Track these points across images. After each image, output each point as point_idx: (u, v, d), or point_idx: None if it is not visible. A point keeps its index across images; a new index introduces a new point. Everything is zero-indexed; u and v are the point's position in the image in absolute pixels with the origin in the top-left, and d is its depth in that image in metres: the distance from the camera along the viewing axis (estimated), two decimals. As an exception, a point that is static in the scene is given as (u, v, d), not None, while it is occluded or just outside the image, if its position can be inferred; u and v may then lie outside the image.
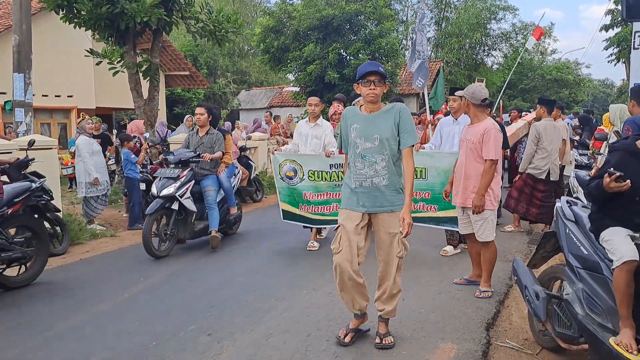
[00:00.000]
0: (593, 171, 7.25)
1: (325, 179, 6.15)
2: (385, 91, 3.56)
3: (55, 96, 16.08)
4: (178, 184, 6.25)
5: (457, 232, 5.51)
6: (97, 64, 10.97)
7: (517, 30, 32.30)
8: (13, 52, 9.16)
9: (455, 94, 5.52)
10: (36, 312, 4.49)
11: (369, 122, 3.54)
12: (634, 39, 8.27)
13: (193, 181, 6.44)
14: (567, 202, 3.63)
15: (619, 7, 22.38)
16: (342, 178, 5.57)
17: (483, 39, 29.13)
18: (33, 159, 6.10)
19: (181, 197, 6.25)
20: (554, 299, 3.32)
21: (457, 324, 3.96)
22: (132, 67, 10.35)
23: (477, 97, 4.54)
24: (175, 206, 6.27)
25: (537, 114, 7.42)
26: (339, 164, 6.04)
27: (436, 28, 32.38)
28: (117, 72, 10.23)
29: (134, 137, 9.06)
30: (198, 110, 6.76)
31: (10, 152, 6.62)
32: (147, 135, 10.24)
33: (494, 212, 4.56)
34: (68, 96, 16.43)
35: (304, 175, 6.20)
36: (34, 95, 9.45)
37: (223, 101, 28.92)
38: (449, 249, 6.10)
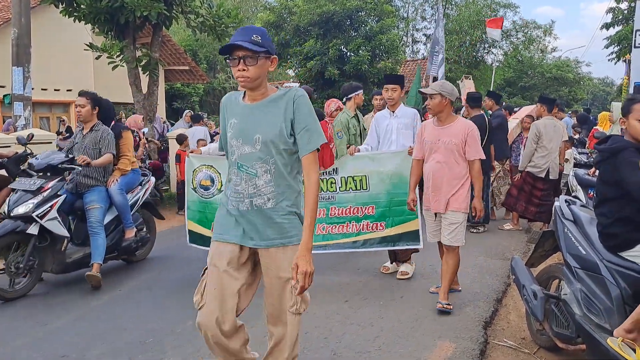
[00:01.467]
0: (592, 170, 7.26)
1: None
2: (272, 70, 2.48)
3: (55, 90, 16.05)
4: (38, 199, 4.67)
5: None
6: (97, 58, 10.93)
7: (517, 28, 32.23)
8: (12, 46, 9.14)
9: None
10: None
11: (247, 115, 2.47)
12: (635, 37, 8.26)
13: (64, 195, 4.87)
14: (566, 201, 3.62)
15: (620, 6, 22.37)
16: None
17: (483, 36, 29.07)
18: (31, 153, 5.96)
19: (41, 217, 4.62)
20: (551, 299, 3.32)
21: (454, 323, 3.96)
22: (132, 62, 10.31)
23: (455, 94, 4.22)
24: (33, 230, 4.62)
25: (537, 112, 7.43)
26: None
27: (436, 25, 32.28)
28: (116, 66, 10.20)
29: (133, 131, 9.04)
30: (78, 100, 5.16)
31: (9, 147, 6.61)
32: (145, 130, 10.22)
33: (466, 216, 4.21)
34: (67, 90, 16.39)
35: (222, 184, 4.78)
36: (32, 89, 9.44)
37: (223, 96, 28.85)
38: (405, 267, 5.13)
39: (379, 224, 4.92)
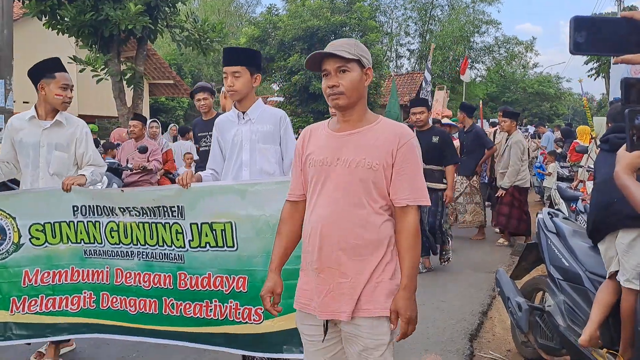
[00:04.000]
0: (575, 183, 7.36)
1: (69, 238, 3.20)
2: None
3: (23, 102, 15.86)
4: None
5: None
6: (81, 71, 10.86)
7: (499, 44, 32.78)
8: (-6, 58, 9.04)
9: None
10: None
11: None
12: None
13: None
14: (549, 213, 3.67)
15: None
16: (106, 238, 3.12)
17: (466, 51, 29.49)
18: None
19: None
20: (536, 311, 3.34)
21: (440, 335, 3.96)
22: (116, 75, 10.27)
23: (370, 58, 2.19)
24: None
25: (507, 128, 7.27)
26: (92, 207, 3.15)
27: (420, 40, 32.73)
28: (100, 79, 10.15)
29: (117, 144, 8.97)
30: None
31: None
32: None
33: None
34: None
35: (20, 235, 3.23)
36: (14, 101, 9.33)
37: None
38: None
39: (253, 311, 2.87)
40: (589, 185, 6.24)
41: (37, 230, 3.20)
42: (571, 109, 50.07)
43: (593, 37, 1.46)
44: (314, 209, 2.02)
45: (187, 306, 3.00)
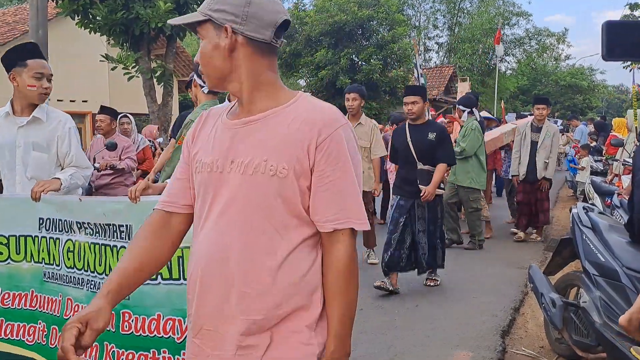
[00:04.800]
0: (609, 177, 7.17)
1: (32, 255, 2.70)
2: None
3: (70, 101, 16.25)
4: None
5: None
6: (112, 69, 11.08)
7: (530, 36, 32.14)
8: (29, 58, 9.27)
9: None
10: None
11: None
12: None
13: None
14: (584, 208, 3.58)
15: (635, 13, 22.19)
16: (63, 259, 2.57)
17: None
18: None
19: None
20: (570, 307, 3.27)
21: (471, 332, 3.92)
22: (147, 73, 10.43)
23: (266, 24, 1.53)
24: None
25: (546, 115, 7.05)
26: (55, 220, 2.62)
27: (449, 33, 32.32)
28: (131, 77, 10.31)
29: (150, 141, 9.13)
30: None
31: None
32: (160, 140, 10.32)
33: None
34: (83, 101, 16.61)
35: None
36: (49, 100, 9.57)
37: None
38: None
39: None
40: (625, 179, 6.07)
41: (0, 243, 2.72)
42: (605, 102, 48.78)
43: (626, 42, 1.41)
44: (198, 238, 1.38)
45: (130, 356, 2.35)
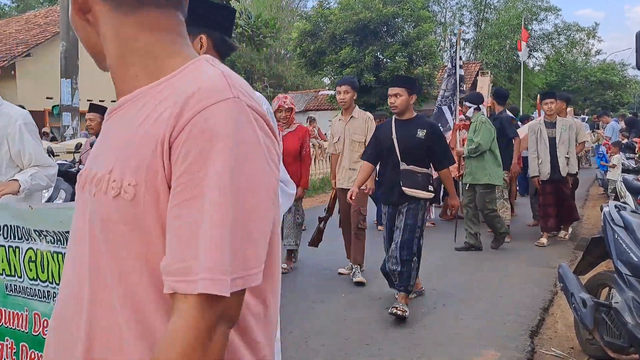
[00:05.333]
0: (642, 175, 6.99)
1: None
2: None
3: (100, 100, 16.57)
4: None
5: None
6: (140, 69, 11.27)
7: (559, 31, 31.54)
8: (60, 59, 9.51)
9: None
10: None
11: None
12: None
13: None
14: (616, 207, 3.50)
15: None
16: (25, 270, 2.34)
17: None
18: (80, 161, 6.09)
19: None
20: (602, 307, 3.21)
21: (499, 331, 3.87)
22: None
23: None
24: None
25: (557, 110, 6.64)
26: (13, 227, 2.36)
27: (475, 29, 31.92)
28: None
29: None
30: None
31: (58, 155, 6.87)
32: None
33: None
34: (112, 101, 16.86)
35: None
36: (79, 100, 9.79)
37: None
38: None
39: None
40: (659, 177, 5.91)
41: None
42: (637, 97, 47.54)
43: None
44: (64, 274, 0.99)
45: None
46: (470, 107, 6.61)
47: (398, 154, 4.27)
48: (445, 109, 8.65)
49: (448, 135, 7.75)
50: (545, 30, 31.70)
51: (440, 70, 21.93)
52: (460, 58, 9.07)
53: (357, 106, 5.38)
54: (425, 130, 4.23)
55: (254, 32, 11.01)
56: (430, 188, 4.22)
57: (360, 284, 4.95)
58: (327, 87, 25.91)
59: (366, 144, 4.91)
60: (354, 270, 5.10)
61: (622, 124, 12.77)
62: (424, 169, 4.23)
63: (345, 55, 19.01)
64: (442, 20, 32.47)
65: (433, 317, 4.18)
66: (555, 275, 4.61)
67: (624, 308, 3.01)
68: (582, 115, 16.14)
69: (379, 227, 7.51)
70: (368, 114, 5.46)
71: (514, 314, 4.21)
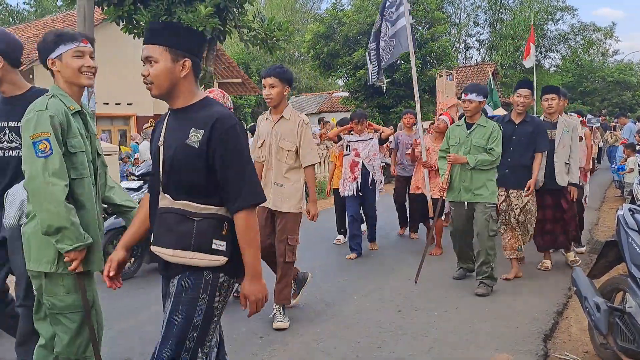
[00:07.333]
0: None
1: None
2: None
3: (116, 104, 16.81)
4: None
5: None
6: (155, 73, 11.39)
7: (575, 31, 31.20)
8: (77, 63, 9.63)
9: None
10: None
11: None
12: None
13: None
14: (630, 210, 3.46)
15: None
16: None
17: (540, 40, 28.29)
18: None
19: None
20: (616, 312, 3.18)
21: (512, 335, 3.85)
22: (188, 75, 10.68)
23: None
24: None
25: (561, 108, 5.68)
26: None
27: (490, 30, 31.71)
28: (173, 80, 10.58)
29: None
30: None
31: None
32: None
33: None
34: (127, 104, 17.14)
35: None
36: (96, 103, 9.91)
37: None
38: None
39: None
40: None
41: None
42: (656, 98, 46.79)
43: None
44: None
45: None
46: (473, 102, 4.89)
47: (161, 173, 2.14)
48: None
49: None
50: (561, 30, 31.42)
51: (455, 71, 21.84)
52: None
53: (290, 105, 4.21)
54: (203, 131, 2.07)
55: (267, 35, 11.05)
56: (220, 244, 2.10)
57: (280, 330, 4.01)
58: (340, 89, 25.91)
59: (297, 153, 4.10)
60: (274, 311, 4.11)
61: (639, 125, 12.60)
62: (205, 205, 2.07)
63: (358, 57, 18.98)
64: (457, 21, 32.30)
65: (447, 320, 4.17)
66: (569, 278, 4.57)
67: (638, 313, 2.98)
68: (588, 116, 15.80)
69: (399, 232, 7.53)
70: (304, 116, 4.21)
71: (528, 318, 4.18)
